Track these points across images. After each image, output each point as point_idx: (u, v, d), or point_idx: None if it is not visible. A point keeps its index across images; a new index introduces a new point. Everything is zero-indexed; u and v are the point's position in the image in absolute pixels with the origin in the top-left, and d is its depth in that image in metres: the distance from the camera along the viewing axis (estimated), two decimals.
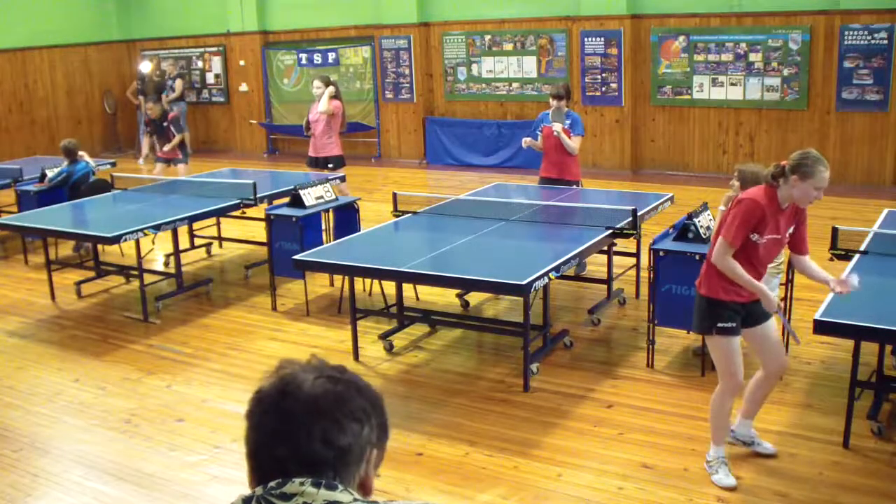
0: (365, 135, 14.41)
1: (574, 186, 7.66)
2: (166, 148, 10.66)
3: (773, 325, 4.31)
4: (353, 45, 14.50)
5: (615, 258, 7.06)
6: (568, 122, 7.56)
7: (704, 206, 5.82)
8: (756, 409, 4.47)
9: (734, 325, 4.15)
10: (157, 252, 8.68)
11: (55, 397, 5.56)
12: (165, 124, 10.71)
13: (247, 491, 1.46)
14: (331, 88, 8.96)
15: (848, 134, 10.91)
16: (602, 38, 12.23)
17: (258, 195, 7.65)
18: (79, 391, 5.66)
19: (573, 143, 7.54)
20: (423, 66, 13.91)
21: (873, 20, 10.46)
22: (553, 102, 7.58)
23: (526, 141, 7.75)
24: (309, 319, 6.89)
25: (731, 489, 4.16)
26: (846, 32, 10.62)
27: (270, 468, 1.45)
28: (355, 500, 1.42)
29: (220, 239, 9.07)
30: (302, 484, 1.40)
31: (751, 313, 4.22)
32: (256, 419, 1.48)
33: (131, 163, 14.55)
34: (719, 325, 4.14)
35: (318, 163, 8.97)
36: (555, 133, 7.47)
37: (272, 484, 1.42)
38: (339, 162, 8.95)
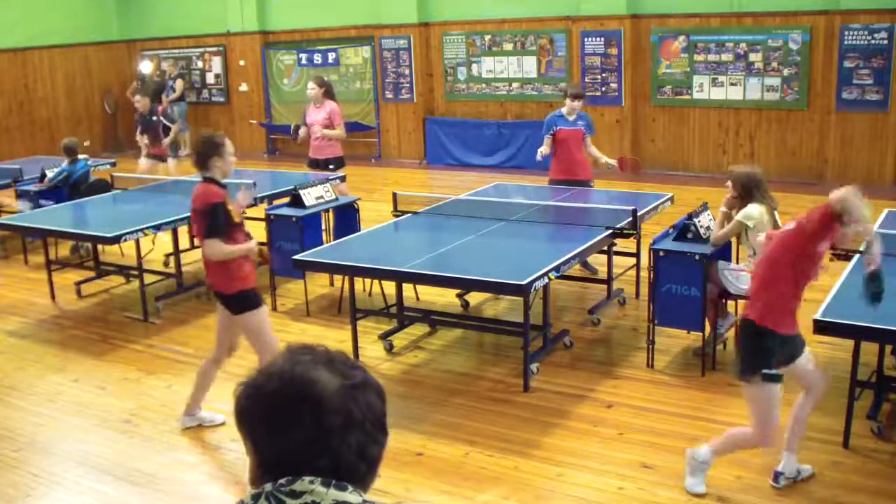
0: (365, 135, 14.41)
1: (589, 186, 7.73)
2: (165, 142, 10.70)
3: (807, 352, 4.11)
4: (353, 45, 14.50)
5: (615, 258, 7.06)
6: (582, 123, 7.64)
7: (704, 206, 5.82)
8: (801, 434, 4.21)
9: (780, 373, 3.91)
10: (156, 252, 8.67)
11: (55, 397, 5.56)
12: (154, 119, 10.72)
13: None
14: (324, 96, 8.83)
15: (848, 134, 10.90)
16: (602, 38, 12.22)
17: (258, 195, 7.64)
18: (79, 391, 5.66)
19: (592, 146, 7.72)
20: (423, 66, 13.90)
21: (873, 20, 10.45)
22: (572, 103, 7.61)
23: (542, 152, 7.68)
24: (309, 319, 6.89)
25: (700, 496, 4.13)
26: (846, 32, 10.61)
27: (284, 466, 1.43)
28: (364, 501, 1.42)
29: None
30: (312, 482, 1.40)
31: (792, 348, 4.01)
32: (262, 413, 1.45)
33: (131, 163, 14.55)
34: (766, 371, 3.84)
35: (319, 164, 8.94)
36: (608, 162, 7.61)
37: (282, 481, 1.41)
38: (339, 163, 8.92)
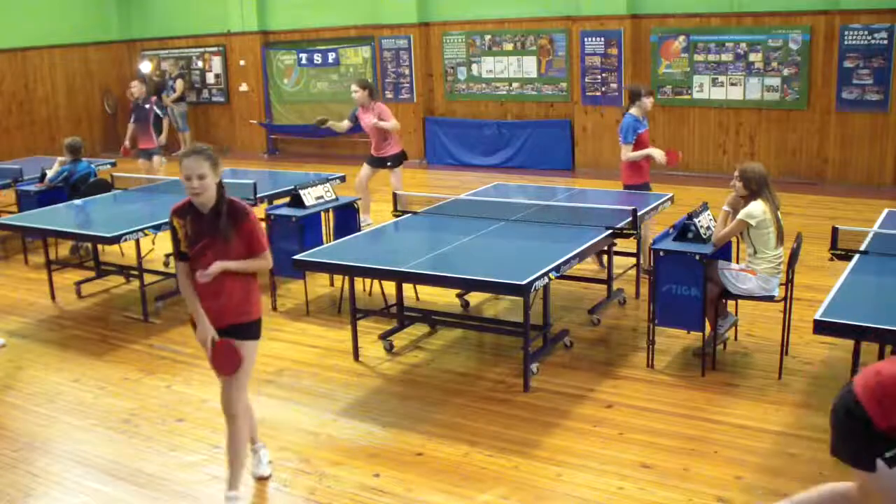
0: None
1: (650, 189, 7.57)
2: (161, 139, 10.83)
3: None
4: (353, 45, 14.50)
5: (615, 258, 7.06)
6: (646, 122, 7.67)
7: (704, 206, 5.81)
8: None
9: None
10: (157, 252, 8.67)
11: (55, 397, 5.56)
12: (147, 106, 10.76)
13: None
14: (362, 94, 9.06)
15: (848, 134, 10.90)
16: (602, 38, 12.23)
17: (258, 195, 7.64)
18: (79, 391, 5.66)
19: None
20: (423, 66, 13.91)
21: (873, 20, 10.46)
22: (649, 100, 7.59)
23: (658, 158, 7.43)
24: (309, 319, 6.89)
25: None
26: (846, 32, 10.62)
27: None
28: None
29: None
30: None
31: None
32: None
33: (131, 163, 14.54)
34: (888, 454, 3.02)
35: (378, 162, 9.22)
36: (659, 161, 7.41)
37: None
38: (396, 160, 9.18)
